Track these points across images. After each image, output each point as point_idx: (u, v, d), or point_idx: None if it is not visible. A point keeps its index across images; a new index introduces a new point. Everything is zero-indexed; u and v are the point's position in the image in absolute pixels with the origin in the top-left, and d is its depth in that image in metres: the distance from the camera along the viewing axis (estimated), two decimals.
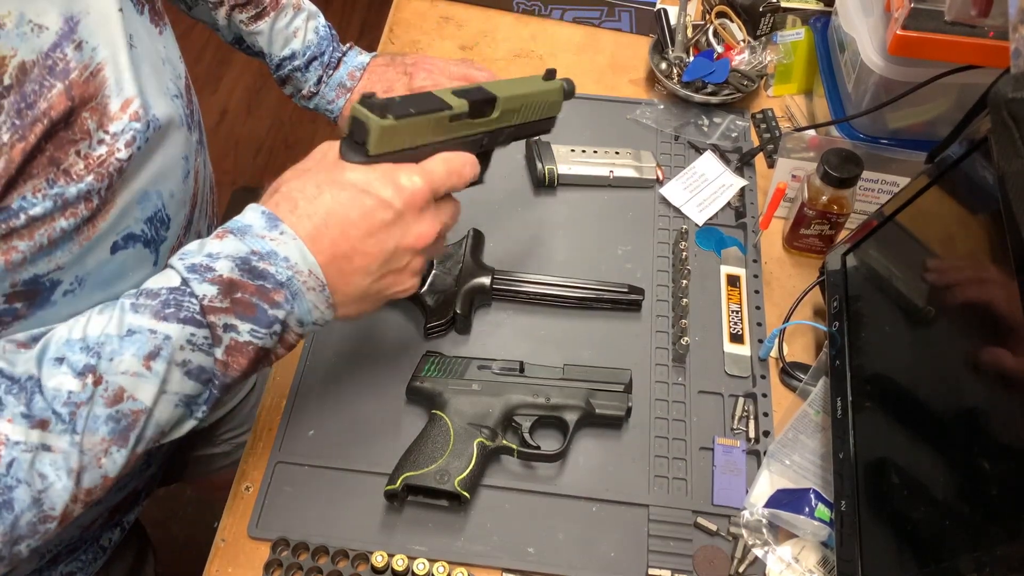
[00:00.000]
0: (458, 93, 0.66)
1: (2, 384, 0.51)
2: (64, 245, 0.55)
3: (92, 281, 0.59)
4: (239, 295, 0.56)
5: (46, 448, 0.51)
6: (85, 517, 0.77)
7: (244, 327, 0.56)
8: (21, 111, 0.50)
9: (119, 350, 0.53)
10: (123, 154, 0.56)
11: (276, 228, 0.58)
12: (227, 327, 0.56)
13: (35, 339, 0.54)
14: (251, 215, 0.58)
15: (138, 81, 0.58)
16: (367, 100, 0.60)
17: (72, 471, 0.53)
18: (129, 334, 0.54)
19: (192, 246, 0.57)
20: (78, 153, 0.54)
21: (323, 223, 0.58)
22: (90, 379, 0.52)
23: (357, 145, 0.61)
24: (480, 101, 0.67)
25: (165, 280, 0.56)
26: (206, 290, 0.55)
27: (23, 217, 0.51)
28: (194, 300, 0.55)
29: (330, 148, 0.62)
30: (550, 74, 0.75)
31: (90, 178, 0.54)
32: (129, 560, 0.94)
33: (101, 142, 0.55)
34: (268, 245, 0.57)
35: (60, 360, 0.53)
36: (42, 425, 0.51)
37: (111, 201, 0.57)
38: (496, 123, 0.70)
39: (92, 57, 0.55)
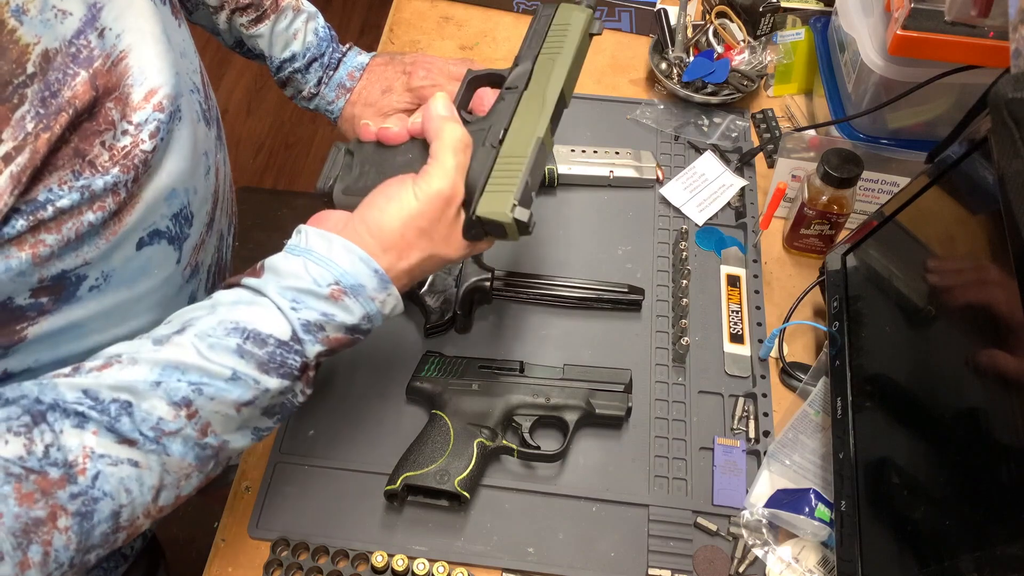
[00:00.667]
0: (553, 120, 0.66)
1: (86, 402, 0.52)
2: (91, 240, 0.55)
3: (117, 277, 0.59)
4: (339, 347, 0.60)
5: (134, 464, 0.53)
6: None
7: (324, 360, 0.60)
8: (45, 99, 0.50)
9: (220, 392, 0.55)
10: (147, 145, 0.56)
11: (386, 290, 0.60)
12: (317, 366, 0.60)
13: (112, 358, 0.55)
14: (363, 272, 0.59)
15: (162, 71, 0.58)
16: (516, 217, 0.62)
17: (154, 488, 0.54)
18: (234, 379, 0.55)
19: (300, 285, 0.57)
20: (103, 144, 0.54)
21: (410, 272, 0.62)
22: (184, 412, 0.54)
23: (485, 234, 0.64)
24: (558, 113, 0.68)
25: (274, 326, 0.57)
26: (317, 350, 0.58)
27: (51, 209, 0.51)
28: (298, 359, 0.57)
29: (458, 220, 0.63)
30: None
31: (116, 170, 0.54)
32: (144, 566, 0.95)
33: (125, 132, 0.55)
34: (375, 307, 0.60)
35: (157, 384, 0.53)
36: (129, 443, 0.52)
37: (137, 195, 0.57)
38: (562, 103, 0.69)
39: (115, 45, 0.55)
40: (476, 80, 0.72)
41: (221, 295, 0.59)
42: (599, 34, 0.72)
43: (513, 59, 0.71)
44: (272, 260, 0.60)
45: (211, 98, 0.72)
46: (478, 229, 0.63)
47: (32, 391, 0.52)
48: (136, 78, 0.56)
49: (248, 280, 0.59)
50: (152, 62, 0.57)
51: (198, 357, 0.54)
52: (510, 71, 0.70)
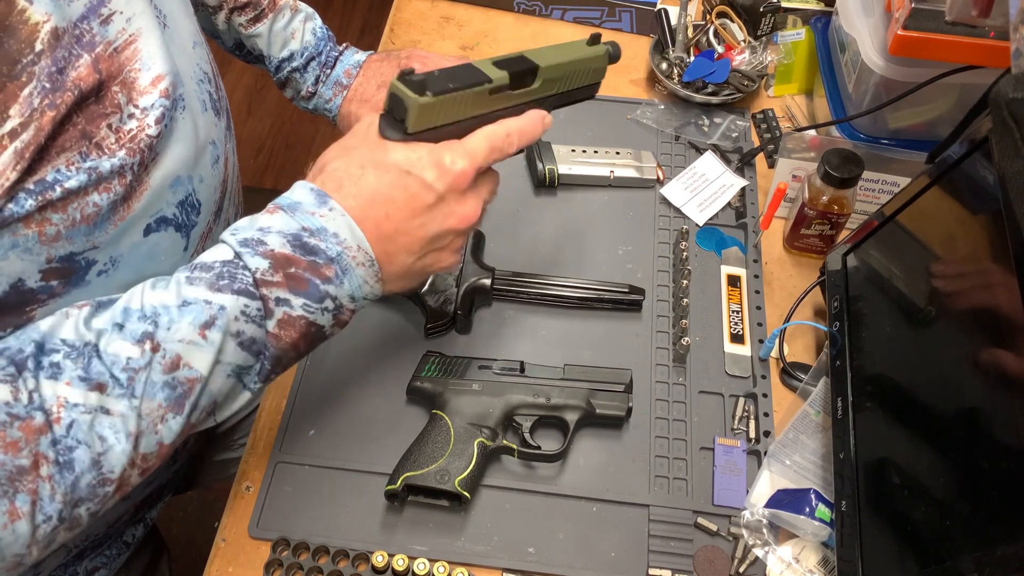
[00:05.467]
0: (499, 63, 0.64)
1: (61, 350, 0.53)
2: (100, 224, 0.55)
3: (125, 262, 0.59)
4: (292, 270, 0.56)
5: (105, 411, 0.53)
6: (111, 513, 0.78)
7: (297, 301, 0.57)
8: (52, 75, 0.50)
9: (176, 319, 0.54)
10: (153, 130, 0.56)
11: (325, 204, 0.58)
12: (279, 300, 0.57)
13: (100, 305, 0.56)
14: (300, 192, 0.59)
15: (168, 58, 0.59)
16: (405, 76, 0.59)
17: (131, 434, 0.54)
18: (185, 304, 0.55)
19: (243, 222, 0.58)
20: (110, 127, 0.54)
21: (368, 204, 0.59)
22: (148, 346, 0.54)
23: (396, 122, 0.60)
24: (521, 72, 0.65)
25: (218, 254, 0.57)
26: (258, 263, 0.56)
27: (59, 190, 0.51)
28: (247, 273, 0.56)
29: (372, 124, 0.62)
30: (595, 38, 0.71)
31: (122, 152, 0.54)
32: (146, 557, 0.95)
33: (131, 116, 0.55)
34: (318, 222, 0.57)
35: (120, 326, 0.54)
36: (100, 388, 0.53)
37: (145, 180, 0.58)
38: (537, 93, 0.67)
39: (125, 28, 0.56)
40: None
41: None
42: (613, 61, 0.71)
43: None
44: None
45: (221, 88, 0.73)
46: (386, 114, 0.61)
47: (12, 344, 0.53)
48: (145, 62, 0.57)
49: None
50: (160, 48, 0.58)
51: (149, 294, 0.55)
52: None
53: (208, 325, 0.55)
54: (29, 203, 0.50)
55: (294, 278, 0.57)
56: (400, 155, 0.59)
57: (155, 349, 0.54)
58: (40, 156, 0.50)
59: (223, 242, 0.57)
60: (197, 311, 0.55)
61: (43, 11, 0.50)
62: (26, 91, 0.49)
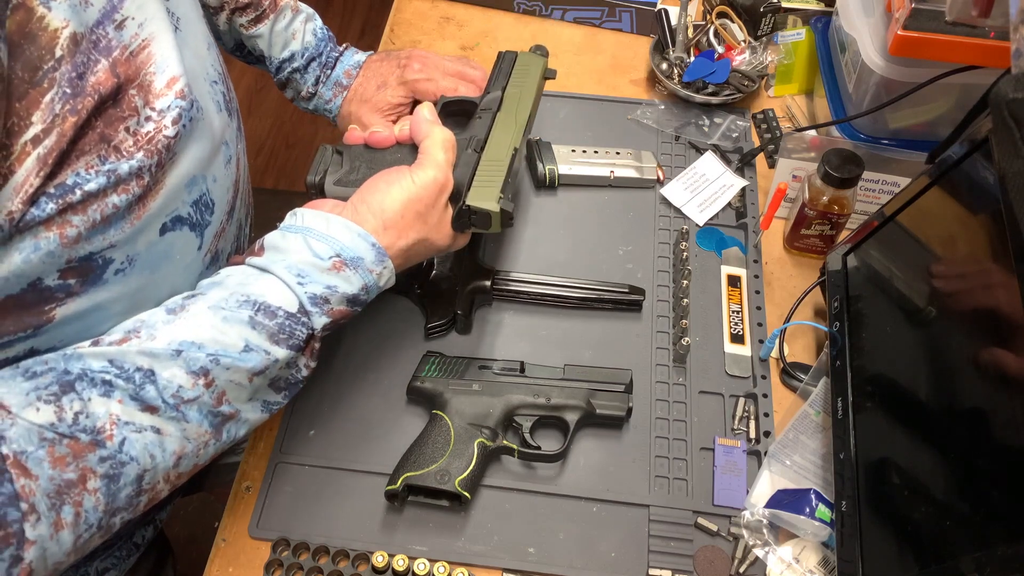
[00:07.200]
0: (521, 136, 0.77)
1: (112, 371, 0.55)
2: (117, 223, 0.56)
3: (141, 261, 0.60)
4: (340, 319, 0.64)
5: (156, 431, 0.56)
6: None
7: (326, 333, 0.64)
8: (72, 81, 0.51)
9: (237, 362, 0.59)
10: (170, 131, 0.57)
11: (383, 263, 0.65)
12: (319, 339, 0.64)
13: (130, 332, 0.58)
14: (362, 246, 0.64)
15: (182, 61, 0.59)
16: (502, 205, 0.69)
17: (175, 454, 0.58)
18: (247, 350, 0.60)
19: (304, 260, 0.62)
20: (127, 130, 0.55)
21: (406, 251, 0.68)
22: (202, 381, 0.58)
23: (472, 226, 0.71)
24: (525, 135, 0.78)
25: (279, 296, 0.61)
26: (323, 322, 0.63)
27: (79, 193, 0.52)
28: (304, 330, 0.62)
29: (444, 209, 0.69)
30: (539, 49, 0.85)
31: (140, 155, 0.55)
32: (153, 557, 0.96)
33: (148, 119, 0.56)
34: (373, 279, 0.65)
35: (177, 353, 0.57)
36: (151, 410, 0.56)
37: (161, 180, 0.59)
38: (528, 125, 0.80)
39: (137, 33, 0.57)
40: (448, 105, 0.82)
41: (228, 271, 0.63)
42: (553, 78, 0.86)
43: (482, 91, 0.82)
44: (271, 239, 0.64)
45: (231, 90, 0.74)
46: (466, 219, 0.70)
47: (59, 363, 0.55)
48: (159, 65, 0.58)
49: (252, 259, 0.63)
50: (174, 51, 0.59)
51: (213, 329, 0.59)
52: (480, 99, 0.80)
53: (259, 373, 0.60)
54: (50, 207, 0.51)
55: (339, 323, 0.65)
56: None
57: (208, 385, 0.58)
58: (61, 161, 0.51)
59: (284, 284, 0.61)
60: (256, 360, 0.60)
61: (62, 17, 0.51)
62: (48, 97, 0.50)
